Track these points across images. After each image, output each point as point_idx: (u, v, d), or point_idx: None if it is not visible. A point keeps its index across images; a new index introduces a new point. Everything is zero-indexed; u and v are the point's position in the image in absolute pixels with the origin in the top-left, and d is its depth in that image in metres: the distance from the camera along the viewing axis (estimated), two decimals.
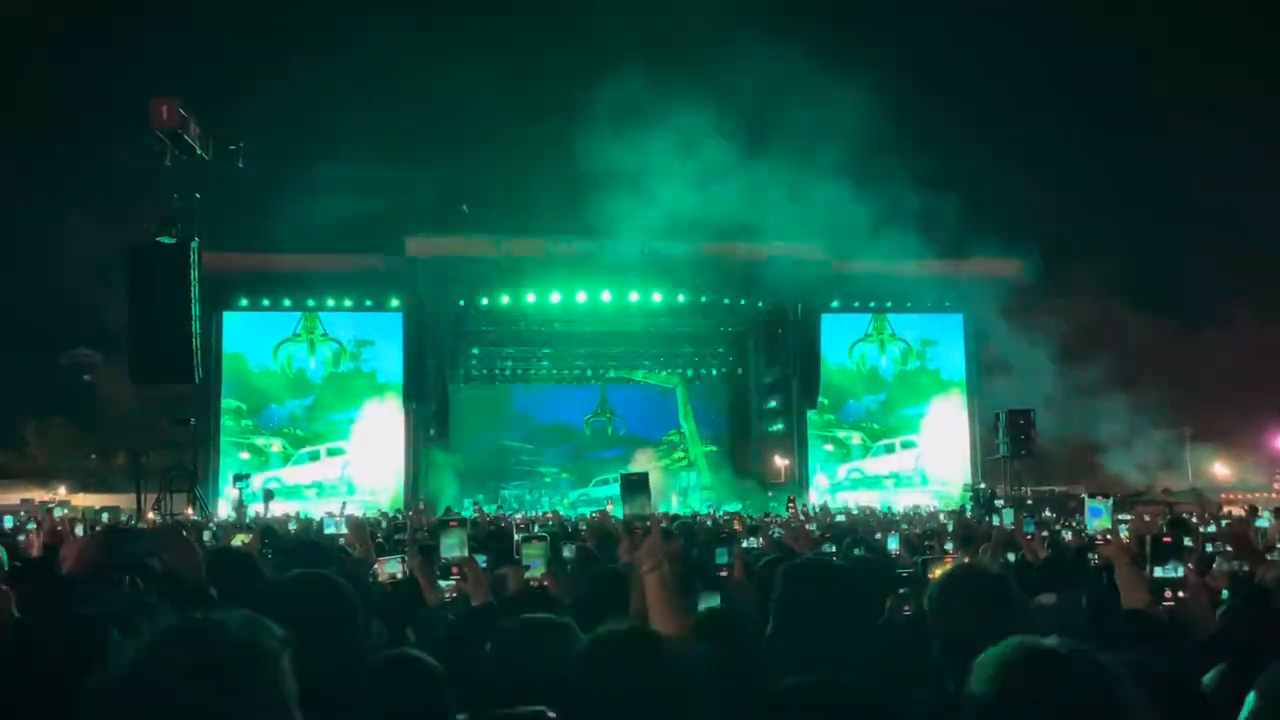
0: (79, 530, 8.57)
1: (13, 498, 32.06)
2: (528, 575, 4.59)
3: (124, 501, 26.70)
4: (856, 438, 34.02)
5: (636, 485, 3.18)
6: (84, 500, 32.20)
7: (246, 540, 7.46)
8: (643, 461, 35.77)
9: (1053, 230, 33.54)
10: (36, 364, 44.16)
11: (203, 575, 3.35)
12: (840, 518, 16.74)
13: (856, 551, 6.79)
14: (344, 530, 7.56)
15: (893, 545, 7.14)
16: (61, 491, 35.35)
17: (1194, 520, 11.80)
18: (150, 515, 21.39)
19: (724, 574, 5.39)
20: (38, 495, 32.54)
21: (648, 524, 3.08)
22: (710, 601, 4.20)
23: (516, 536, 5.68)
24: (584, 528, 10.88)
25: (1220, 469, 34.54)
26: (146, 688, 1.54)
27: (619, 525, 3.63)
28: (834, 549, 7.32)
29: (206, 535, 9.69)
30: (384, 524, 17.28)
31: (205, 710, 1.53)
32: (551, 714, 1.18)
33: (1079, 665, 1.81)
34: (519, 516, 20.05)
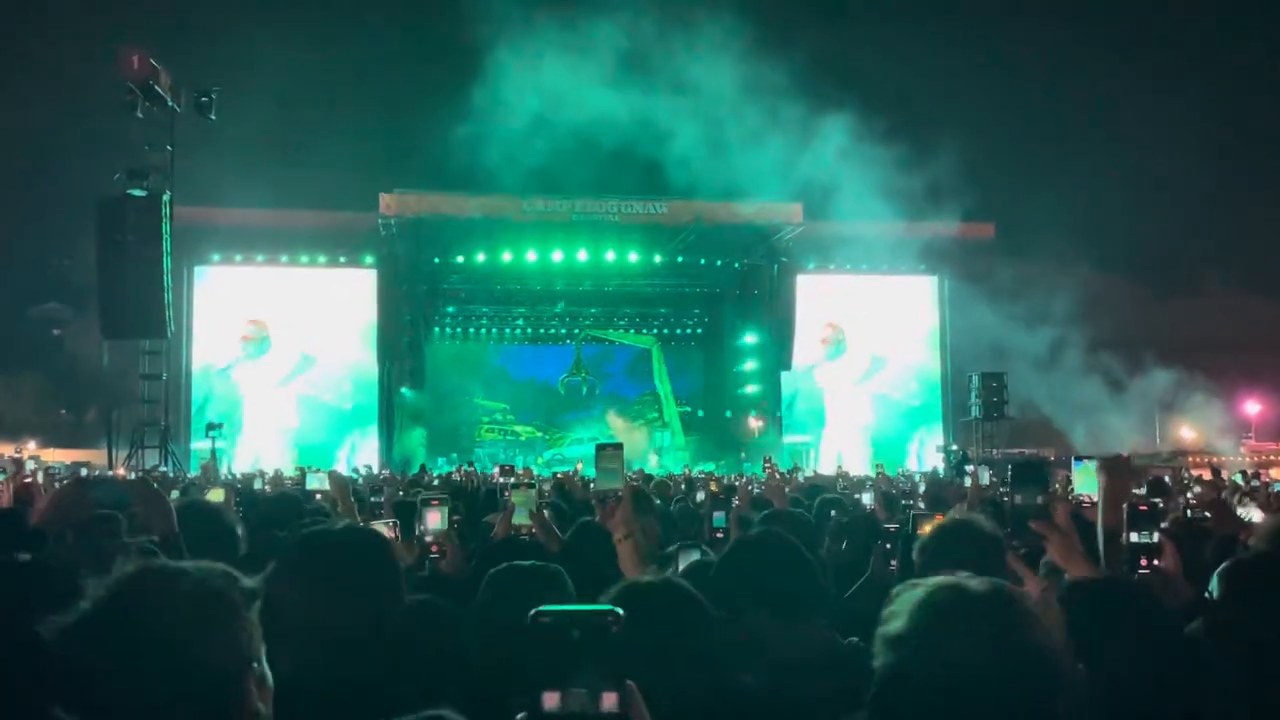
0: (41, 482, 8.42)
1: None
2: (515, 522, 4.59)
3: (96, 457, 26.53)
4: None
5: (610, 456, 3.20)
6: (55, 456, 31.96)
7: (219, 497, 7.28)
8: (613, 422, 35.84)
9: (1028, 194, 33.63)
10: (4, 319, 43.63)
11: (174, 528, 3.30)
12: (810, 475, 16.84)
13: (832, 512, 6.82)
14: (325, 486, 7.44)
15: (867, 500, 7.18)
16: (32, 446, 35.06)
17: (1169, 482, 11.90)
18: (121, 471, 21.23)
19: (720, 535, 5.40)
20: (8, 450, 32.26)
21: (619, 493, 3.11)
22: (691, 557, 4.23)
23: (503, 479, 5.66)
24: (547, 488, 10.83)
25: (1188, 433, 34.93)
26: (109, 625, 1.56)
27: (582, 485, 3.62)
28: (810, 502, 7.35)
29: (174, 494, 9.56)
30: (359, 478, 17.24)
31: (167, 649, 1.55)
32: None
33: (989, 598, 1.84)
34: (498, 467, 19.97)
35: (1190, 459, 29.07)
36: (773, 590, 2.94)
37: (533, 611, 1.19)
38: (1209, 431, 33.15)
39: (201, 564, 1.70)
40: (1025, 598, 1.94)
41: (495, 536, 4.65)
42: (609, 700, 1.17)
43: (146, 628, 1.55)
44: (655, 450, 35.33)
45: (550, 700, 1.16)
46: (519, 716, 1.17)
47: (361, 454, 30.27)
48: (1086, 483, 4.25)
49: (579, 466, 18.81)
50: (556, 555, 3.82)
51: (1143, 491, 9.52)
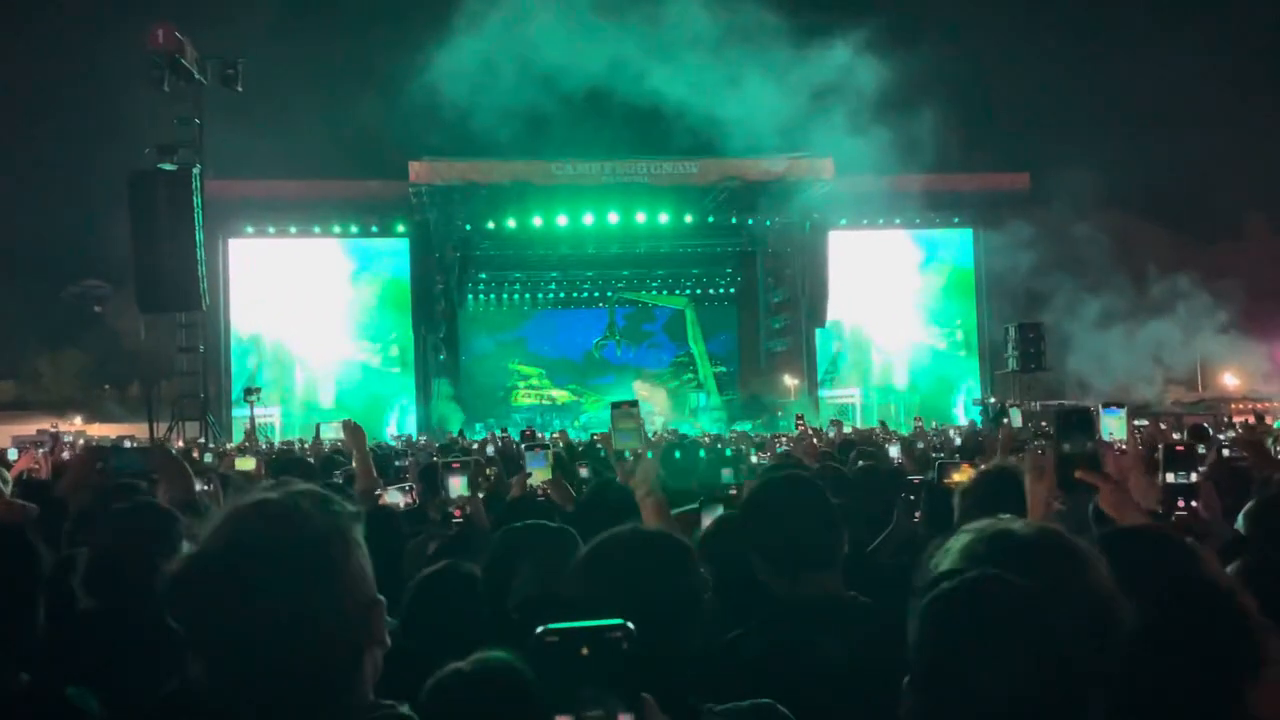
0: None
1: (30, 428, 32.30)
2: (530, 482, 4.62)
3: (140, 431, 26.89)
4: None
5: (625, 413, 3.15)
6: (99, 430, 32.44)
7: (250, 466, 7.17)
8: (641, 386, 35.84)
9: (1064, 142, 33.11)
10: (46, 296, 44.25)
11: (193, 494, 3.32)
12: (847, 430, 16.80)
13: (860, 463, 6.77)
14: (342, 436, 7.32)
15: (894, 453, 7.11)
16: (78, 422, 35.60)
17: (1210, 428, 11.76)
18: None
19: (733, 493, 5.37)
20: (53, 426, 32.76)
21: (639, 449, 3.07)
22: (716, 513, 4.20)
23: (521, 445, 5.72)
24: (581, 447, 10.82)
25: (1230, 380, 34.46)
26: (227, 562, 1.48)
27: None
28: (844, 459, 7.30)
29: (210, 458, 9.61)
30: (398, 445, 17.40)
31: (287, 582, 1.47)
32: None
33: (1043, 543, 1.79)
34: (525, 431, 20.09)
35: (1233, 405, 28.67)
36: (785, 535, 2.85)
37: (538, 630, 1.14)
38: (1253, 378, 32.68)
39: (298, 489, 1.59)
40: (1077, 541, 1.84)
41: (511, 497, 4.69)
42: None
43: (257, 564, 1.46)
44: (690, 412, 35.33)
45: None
46: None
47: (405, 422, 30.60)
48: (1118, 429, 4.18)
49: None
50: (571, 514, 3.82)
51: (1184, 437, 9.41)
